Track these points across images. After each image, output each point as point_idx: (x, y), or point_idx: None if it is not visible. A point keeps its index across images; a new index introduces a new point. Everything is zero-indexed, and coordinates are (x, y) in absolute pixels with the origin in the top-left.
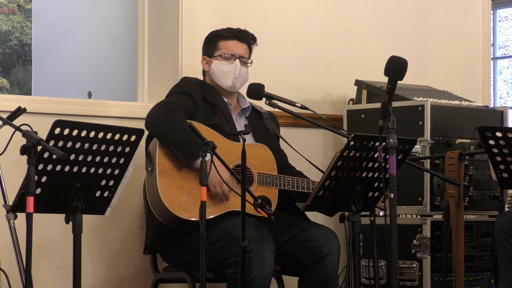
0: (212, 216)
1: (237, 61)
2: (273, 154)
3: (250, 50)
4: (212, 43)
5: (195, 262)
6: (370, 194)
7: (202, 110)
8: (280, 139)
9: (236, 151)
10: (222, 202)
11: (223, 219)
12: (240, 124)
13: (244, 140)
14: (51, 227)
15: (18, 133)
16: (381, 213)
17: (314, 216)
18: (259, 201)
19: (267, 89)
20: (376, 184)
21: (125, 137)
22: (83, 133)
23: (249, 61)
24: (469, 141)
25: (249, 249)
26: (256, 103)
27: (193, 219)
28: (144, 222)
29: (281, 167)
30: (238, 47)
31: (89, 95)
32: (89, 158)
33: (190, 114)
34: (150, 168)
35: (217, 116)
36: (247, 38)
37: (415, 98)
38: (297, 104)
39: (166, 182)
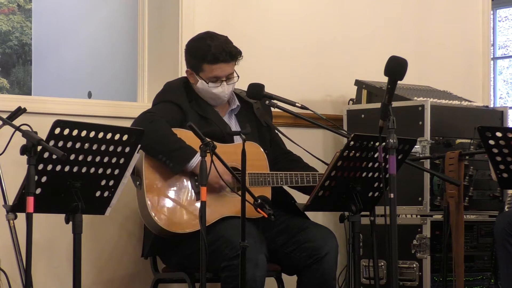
0: (208, 224)
1: (224, 83)
2: (265, 148)
3: (236, 63)
4: (196, 61)
5: (193, 266)
6: (370, 194)
7: (192, 115)
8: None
9: (229, 153)
10: (217, 208)
11: (216, 223)
12: (232, 124)
13: (244, 140)
14: (51, 227)
15: (18, 133)
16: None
17: (314, 216)
18: (259, 201)
19: (267, 89)
20: (376, 184)
21: (125, 137)
22: (83, 133)
23: (234, 79)
24: (469, 141)
25: (240, 252)
26: None
27: (186, 231)
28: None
29: (277, 155)
30: (223, 69)
31: (89, 95)
32: (89, 158)
33: (179, 121)
34: (138, 183)
35: (208, 122)
36: (231, 57)
37: (415, 98)
38: (297, 104)
39: (154, 197)
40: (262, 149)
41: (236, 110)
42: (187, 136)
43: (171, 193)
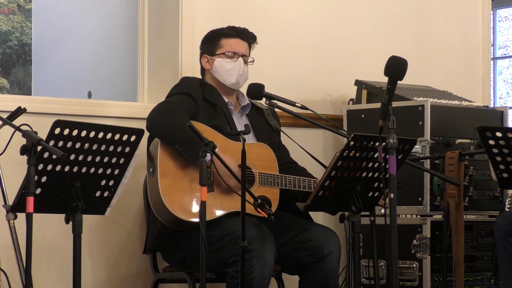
0: (216, 217)
1: (241, 59)
2: (274, 152)
3: (250, 49)
4: (213, 41)
5: (196, 262)
6: (370, 194)
7: (204, 110)
8: (282, 134)
9: (237, 151)
10: (226, 202)
11: (224, 219)
12: (241, 123)
13: (244, 140)
14: (51, 227)
15: (18, 133)
16: (382, 211)
17: (314, 216)
18: (259, 201)
19: (267, 89)
20: (376, 184)
21: (125, 137)
22: (83, 133)
23: (250, 59)
24: (469, 141)
25: (249, 248)
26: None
27: (194, 220)
28: (144, 222)
29: (283, 163)
30: (240, 45)
31: (89, 95)
32: (89, 158)
33: (192, 114)
34: (151, 169)
35: (218, 117)
36: (248, 37)
37: (415, 98)
38: (297, 104)
39: (167, 183)
40: (272, 151)
41: (247, 110)
42: (202, 130)
43: (184, 181)
